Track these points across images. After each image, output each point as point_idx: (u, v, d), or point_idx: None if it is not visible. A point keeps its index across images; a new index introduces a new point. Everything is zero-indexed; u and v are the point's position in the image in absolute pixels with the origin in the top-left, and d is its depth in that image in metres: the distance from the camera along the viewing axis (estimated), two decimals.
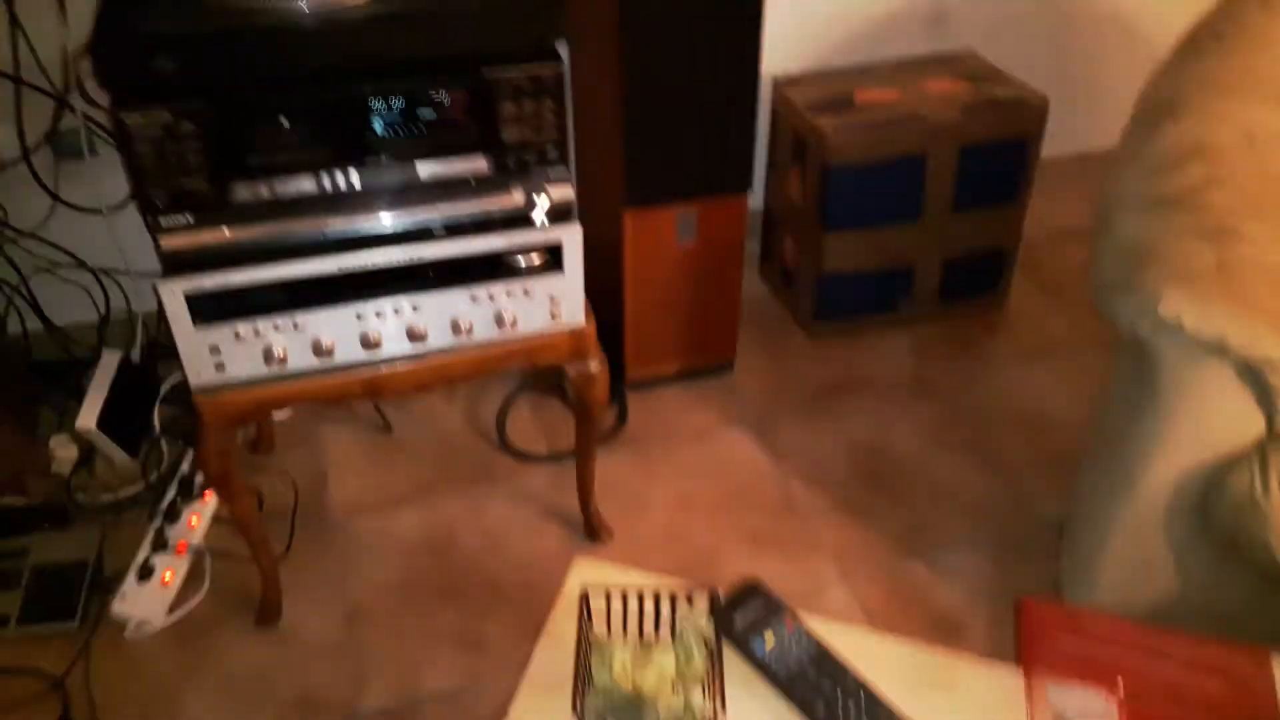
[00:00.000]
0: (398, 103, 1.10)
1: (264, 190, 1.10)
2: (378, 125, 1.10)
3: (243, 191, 1.10)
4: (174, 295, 1.10)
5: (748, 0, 1.47)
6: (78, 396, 1.63)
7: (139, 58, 1.00)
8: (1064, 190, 2.05)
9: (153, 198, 1.07)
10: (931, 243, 1.89)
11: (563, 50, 1.13)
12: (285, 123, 1.07)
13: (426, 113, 1.11)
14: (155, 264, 1.70)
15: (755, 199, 1.79)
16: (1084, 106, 2.12)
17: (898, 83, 1.91)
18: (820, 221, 1.83)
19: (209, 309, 1.12)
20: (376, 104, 1.09)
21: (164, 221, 1.08)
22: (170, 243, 1.09)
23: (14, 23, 1.49)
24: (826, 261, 1.87)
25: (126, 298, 1.77)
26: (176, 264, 1.10)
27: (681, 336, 1.80)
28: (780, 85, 1.92)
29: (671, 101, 1.52)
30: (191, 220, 1.09)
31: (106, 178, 1.65)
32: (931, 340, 1.93)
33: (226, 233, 1.10)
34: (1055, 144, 1.89)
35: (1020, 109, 1.83)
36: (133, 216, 1.68)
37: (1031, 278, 2.06)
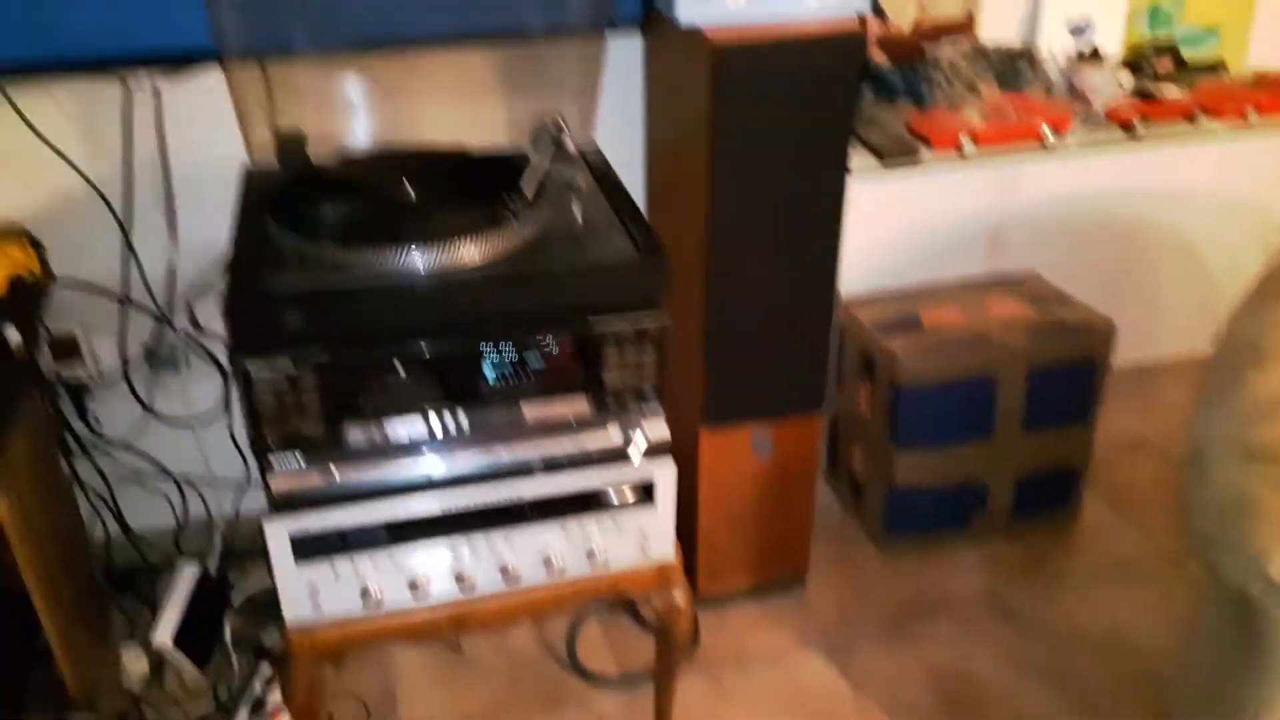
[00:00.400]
0: (507, 351, 1.13)
1: (374, 433, 1.13)
2: (487, 371, 1.14)
3: (354, 434, 1.12)
4: (279, 535, 1.12)
5: (828, 226, 1.52)
6: (150, 604, 1.62)
7: (268, 313, 1.04)
8: (1127, 400, 2.06)
9: (267, 439, 1.10)
10: (1003, 461, 1.89)
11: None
12: (399, 371, 1.11)
13: (534, 359, 1.14)
14: (237, 473, 1.75)
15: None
16: (1143, 318, 2.16)
17: (962, 304, 1.96)
18: (891, 438, 1.84)
19: (311, 547, 1.13)
20: (487, 352, 1.13)
21: (276, 462, 1.11)
22: (280, 485, 1.11)
23: (128, 247, 1.57)
24: (897, 477, 1.87)
25: (206, 506, 1.79)
26: (284, 504, 1.12)
27: (753, 551, 1.79)
28: (847, 304, 1.97)
29: (751, 324, 1.56)
30: (302, 462, 1.11)
31: (197, 390, 1.70)
32: (1006, 557, 1.91)
33: (335, 474, 1.12)
34: (1115, 354, 1.91)
35: (1087, 334, 1.86)
36: (219, 428, 1.73)
37: (1101, 492, 2.04)
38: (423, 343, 1.11)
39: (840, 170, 1.48)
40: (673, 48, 1.48)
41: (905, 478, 1.87)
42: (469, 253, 1.13)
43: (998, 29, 1.87)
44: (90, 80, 1.40)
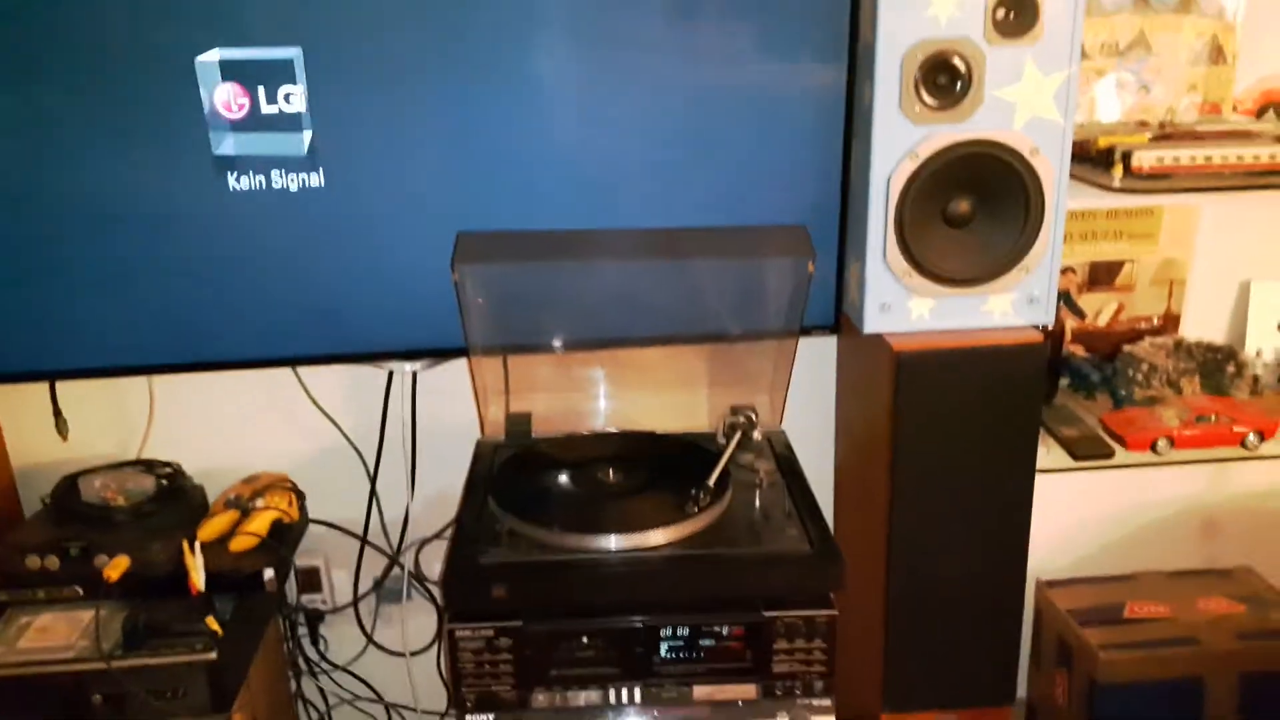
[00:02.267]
0: (683, 632, 1.23)
1: (558, 699, 1.24)
2: (663, 649, 1.23)
3: (539, 698, 1.24)
4: None
5: (1014, 523, 1.54)
6: None
7: (479, 587, 1.19)
8: None
9: (465, 698, 1.22)
10: None
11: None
12: (585, 642, 1.22)
13: (708, 643, 1.23)
14: (440, 705, 1.88)
15: (1018, 688, 1.76)
16: None
17: (1168, 596, 1.89)
18: None
19: None
20: (665, 633, 1.23)
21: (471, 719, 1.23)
22: None
23: (373, 495, 1.80)
24: None
25: None
26: None
27: None
28: (1044, 587, 1.94)
29: (935, 614, 1.57)
30: None
31: (414, 623, 1.87)
32: None
33: None
34: None
35: None
36: (428, 660, 1.89)
37: None
38: (608, 619, 1.22)
39: (1027, 470, 1.51)
40: (861, 350, 1.60)
41: None
42: (655, 537, 1.25)
43: (1202, 327, 1.89)
44: (362, 365, 1.68)
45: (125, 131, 1.39)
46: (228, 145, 1.40)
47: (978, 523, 1.52)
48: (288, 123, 1.39)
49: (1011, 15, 1.30)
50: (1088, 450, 1.62)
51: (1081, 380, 1.82)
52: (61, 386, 1.66)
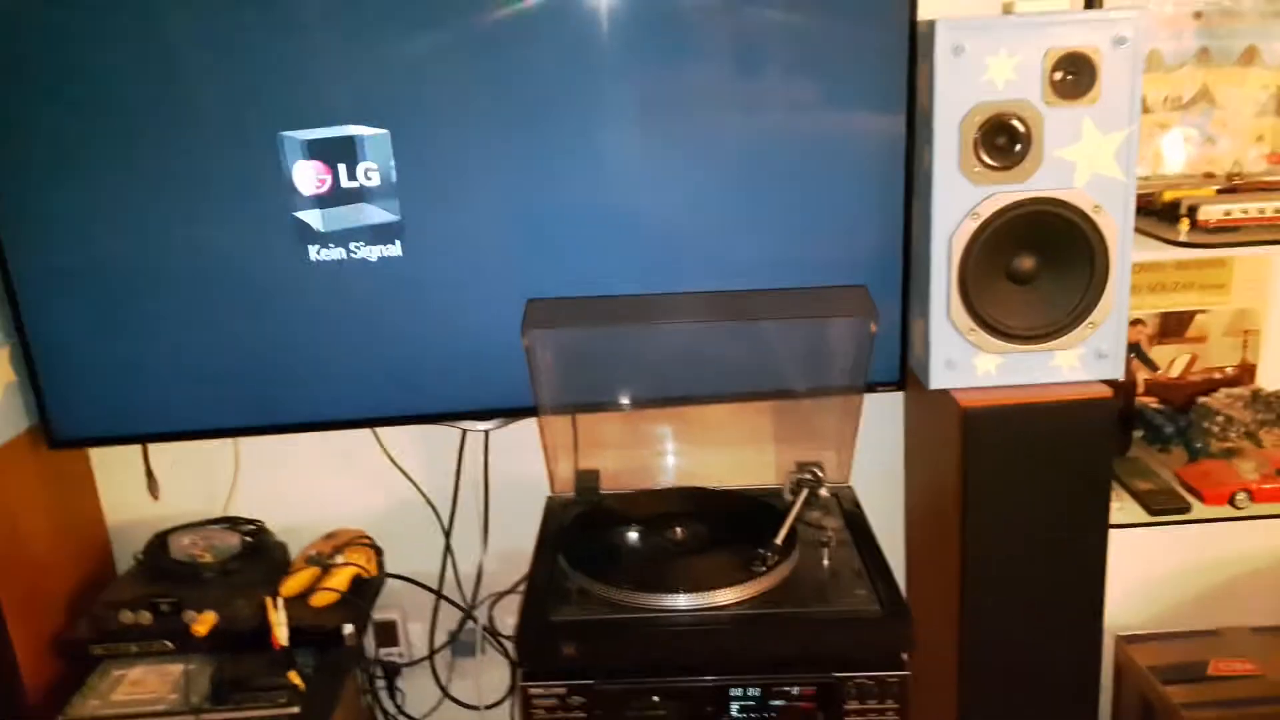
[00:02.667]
0: (754, 692, 1.24)
1: None
2: (734, 709, 1.24)
3: None
4: None
5: (1089, 578, 1.52)
6: None
7: (551, 644, 1.22)
8: None
9: None
10: None
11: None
12: (655, 701, 1.24)
13: (778, 703, 1.24)
14: None
15: None
16: None
17: (1256, 654, 1.83)
18: None
19: None
20: (735, 692, 1.24)
21: None
22: None
23: (447, 548, 1.84)
24: None
25: None
26: None
27: None
28: (1124, 644, 1.90)
29: (1008, 673, 1.55)
30: None
31: (487, 677, 1.90)
32: None
33: None
34: None
35: None
36: (502, 713, 1.92)
37: None
38: (678, 678, 1.24)
39: (1100, 525, 1.50)
40: (928, 406, 1.61)
41: None
42: (724, 596, 1.27)
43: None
44: (437, 425, 1.73)
45: (215, 204, 1.47)
46: (311, 218, 1.47)
47: (1052, 579, 1.51)
48: (367, 196, 1.47)
49: (1069, 78, 1.32)
50: (1163, 504, 1.60)
51: (1155, 433, 1.79)
52: (153, 448, 1.75)
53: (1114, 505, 1.53)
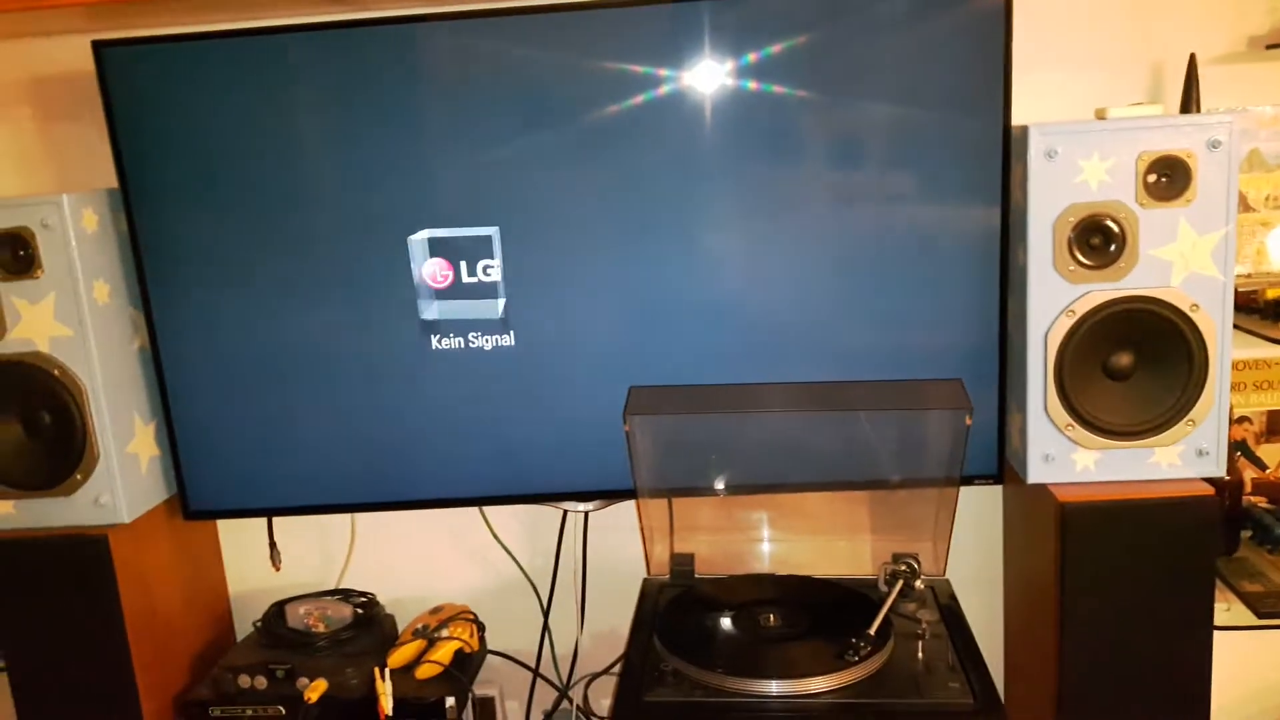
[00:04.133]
0: None
1: None
2: None
3: None
4: None
5: (1193, 684, 1.48)
6: None
7: None
8: None
9: None
10: None
11: None
12: None
13: None
14: None
15: None
16: None
17: None
18: None
19: None
20: None
21: None
22: None
23: (545, 627, 1.89)
24: None
25: None
26: None
27: None
28: None
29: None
30: None
31: None
32: None
33: None
34: None
35: None
36: None
37: None
38: None
39: (1203, 627, 1.47)
40: (1025, 500, 1.61)
41: None
42: (816, 684, 1.29)
43: None
44: (540, 505, 1.80)
45: (346, 299, 1.59)
46: (433, 311, 1.58)
47: (1154, 681, 1.48)
48: (485, 290, 1.57)
49: (1163, 180, 1.35)
50: (1271, 607, 1.56)
51: (1265, 533, 1.75)
52: (277, 521, 1.85)
53: (1220, 607, 1.50)
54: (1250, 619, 1.56)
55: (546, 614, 1.88)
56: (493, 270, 1.55)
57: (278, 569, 1.87)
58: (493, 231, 1.54)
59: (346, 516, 1.87)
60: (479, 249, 1.55)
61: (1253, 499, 1.81)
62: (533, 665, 1.90)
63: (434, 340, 1.59)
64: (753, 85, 1.48)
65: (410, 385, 1.61)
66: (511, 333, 1.58)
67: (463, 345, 1.59)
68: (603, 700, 1.90)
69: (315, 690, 1.58)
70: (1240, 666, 1.84)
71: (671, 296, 1.55)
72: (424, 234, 1.55)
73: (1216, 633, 1.45)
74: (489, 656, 1.86)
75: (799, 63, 1.47)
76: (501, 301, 1.57)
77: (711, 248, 1.55)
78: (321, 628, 1.72)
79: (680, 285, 1.55)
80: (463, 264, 1.56)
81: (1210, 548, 1.45)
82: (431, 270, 1.56)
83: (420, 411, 1.62)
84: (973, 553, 1.78)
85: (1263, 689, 1.89)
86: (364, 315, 1.59)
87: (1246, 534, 1.76)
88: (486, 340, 1.58)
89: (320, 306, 1.59)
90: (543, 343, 1.58)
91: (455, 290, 1.57)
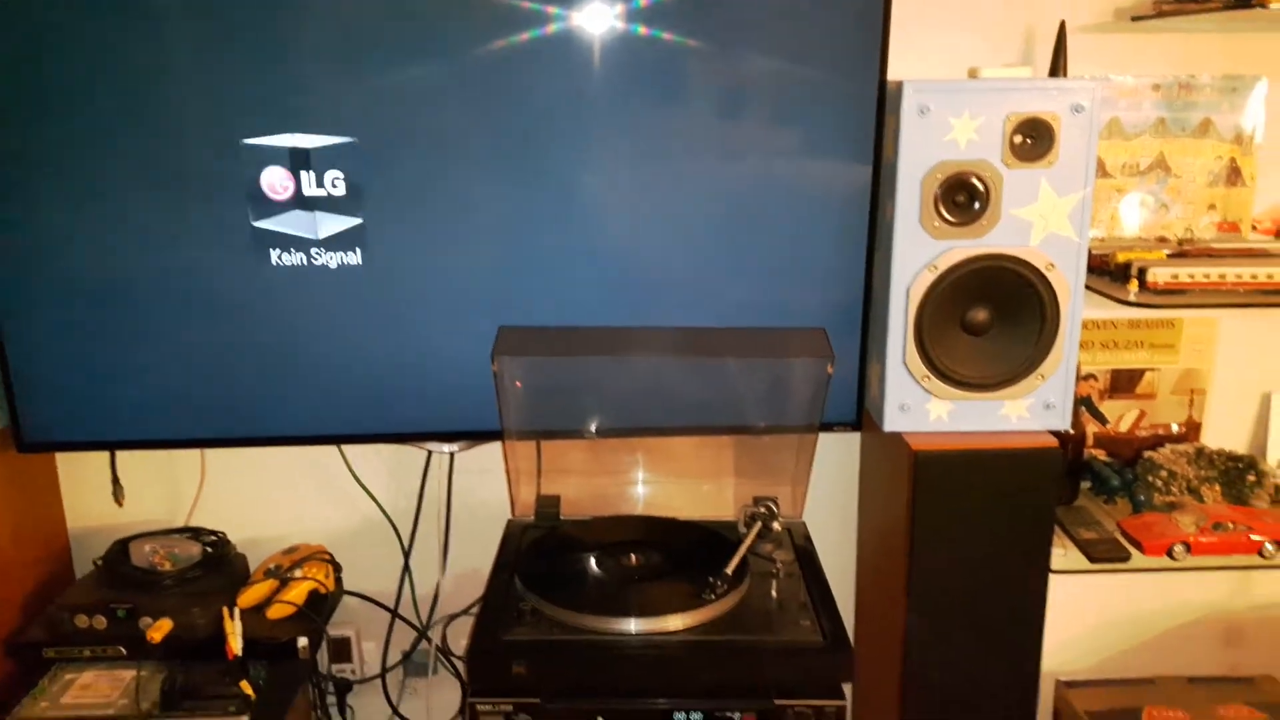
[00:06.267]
0: (696, 717, 1.27)
1: None
2: None
3: None
4: None
5: (1028, 622, 1.56)
6: None
7: (500, 664, 1.25)
8: None
9: None
10: None
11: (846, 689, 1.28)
12: None
13: None
14: None
15: None
16: None
17: (1189, 703, 1.88)
18: None
19: None
20: (679, 717, 1.27)
21: None
22: None
23: (406, 568, 1.86)
24: None
25: None
26: None
27: None
28: (1064, 688, 1.94)
29: (949, 703, 1.58)
30: None
31: (438, 696, 1.92)
32: None
33: None
34: None
35: None
36: None
37: None
38: (624, 699, 1.27)
39: (1041, 571, 1.54)
40: (881, 448, 1.66)
41: None
42: (674, 622, 1.30)
43: (1224, 436, 1.92)
44: (403, 445, 1.76)
45: (179, 209, 1.48)
46: (272, 223, 1.49)
47: (993, 620, 1.55)
48: (331, 205, 1.48)
49: (1028, 141, 1.38)
50: (1104, 553, 1.65)
51: (1102, 484, 1.85)
52: (121, 456, 1.76)
53: (1058, 552, 1.58)
54: (1084, 564, 1.65)
55: (407, 555, 1.86)
56: (340, 183, 1.47)
57: (121, 505, 1.78)
58: (344, 141, 1.46)
59: (195, 452, 1.79)
60: (327, 159, 1.46)
61: (1094, 452, 1.91)
62: (391, 607, 1.87)
63: (273, 255, 1.50)
64: (642, 30, 1.45)
65: (252, 306, 1.52)
66: (358, 250, 1.50)
67: (305, 262, 1.51)
68: (462, 641, 1.89)
69: (159, 630, 1.52)
70: (1073, 609, 1.95)
71: (543, 234, 1.52)
72: (263, 139, 1.45)
73: (1053, 576, 1.53)
74: (347, 598, 1.83)
75: (686, 10, 1.45)
76: (351, 219, 1.49)
77: (586, 187, 1.52)
78: (167, 566, 1.65)
79: (553, 223, 1.52)
80: (305, 175, 1.47)
81: (1051, 496, 1.52)
82: (271, 179, 1.47)
83: (267, 338, 1.54)
84: (832, 498, 1.83)
85: (1094, 628, 2.01)
86: (199, 228, 1.49)
87: (1086, 485, 1.86)
88: (331, 257, 1.51)
89: (152, 218, 1.48)
90: (399, 268, 1.52)
91: (297, 202, 1.48)
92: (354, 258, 1.51)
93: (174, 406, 1.58)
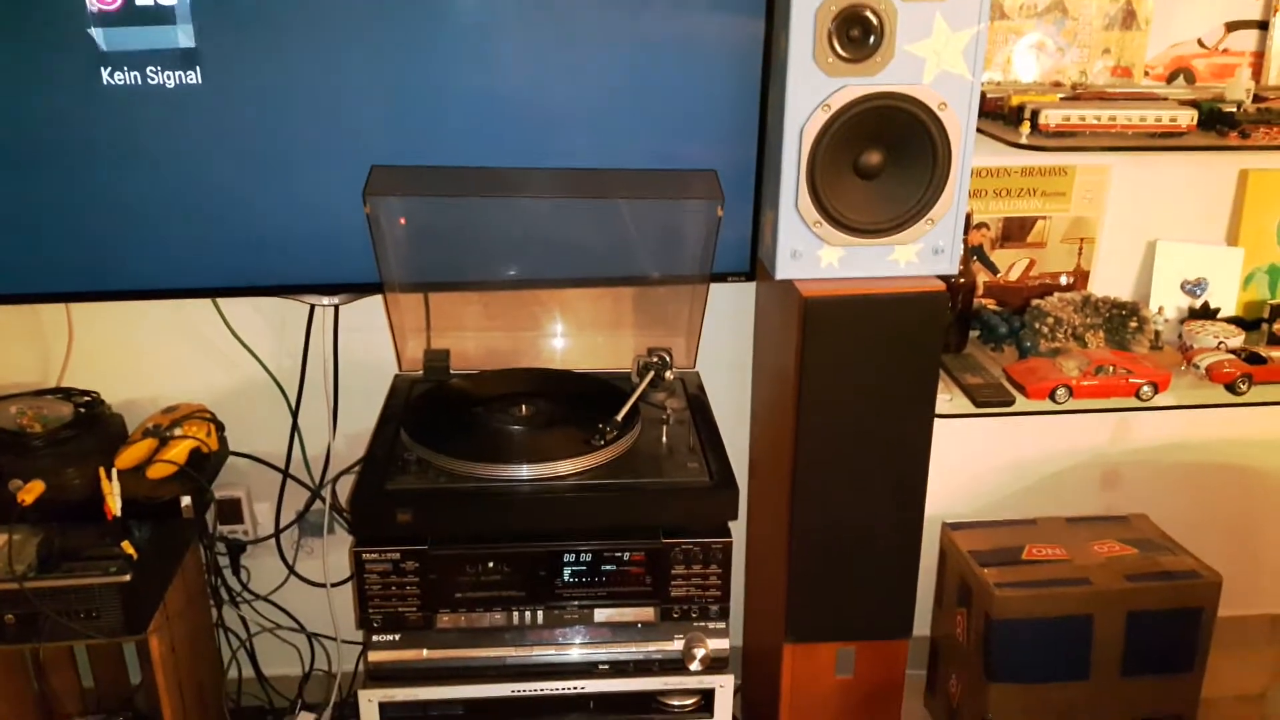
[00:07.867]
0: (586, 558, 1.28)
1: (462, 620, 1.28)
2: (565, 574, 1.28)
3: (444, 619, 1.28)
4: (370, 703, 1.27)
5: (913, 464, 1.60)
6: None
7: (385, 511, 1.23)
8: (1241, 651, 1.99)
9: (371, 618, 1.26)
10: (1101, 704, 1.86)
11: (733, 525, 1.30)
12: (489, 566, 1.27)
13: (609, 568, 1.28)
14: (359, 635, 1.92)
15: (923, 626, 1.84)
16: (1262, 570, 2.10)
17: (1067, 541, 1.97)
18: (984, 670, 1.85)
19: (397, 715, 1.28)
20: (569, 558, 1.27)
21: (375, 639, 1.27)
22: (377, 657, 1.27)
23: (294, 429, 1.82)
24: (991, 710, 1.86)
25: (329, 660, 1.97)
26: (378, 675, 1.27)
27: None
28: (949, 529, 2.02)
29: (835, 548, 1.63)
30: (397, 639, 1.27)
31: (335, 555, 1.90)
32: None
33: (425, 654, 1.28)
34: (1233, 604, 1.88)
35: (1190, 585, 1.84)
36: (348, 591, 1.93)
37: None
38: (512, 544, 1.27)
39: (926, 415, 1.57)
40: (773, 296, 1.65)
41: (999, 713, 1.86)
42: (562, 468, 1.29)
43: (1110, 284, 1.96)
44: (284, 298, 1.69)
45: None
46: (102, 38, 1.36)
47: (879, 463, 1.58)
48: (164, 15, 1.36)
49: None
50: (988, 397, 1.69)
51: (990, 332, 1.88)
52: None
53: (944, 397, 1.61)
54: (969, 408, 1.68)
55: (295, 414, 1.81)
56: None
57: None
58: None
59: (60, 307, 1.69)
60: None
61: (984, 301, 1.93)
62: (282, 466, 1.83)
63: (104, 74, 1.38)
64: None
65: (89, 134, 1.40)
66: (198, 69, 1.38)
67: (139, 81, 1.38)
68: None
69: (30, 492, 1.46)
70: (960, 454, 2.01)
71: (424, 64, 1.43)
72: None
73: (939, 420, 1.56)
74: (237, 459, 1.78)
75: None
76: (186, 28, 1.37)
77: (470, 22, 1.43)
78: (37, 427, 1.58)
79: (432, 52, 1.42)
80: None
81: (937, 341, 1.53)
82: None
83: (115, 175, 1.43)
84: (730, 348, 1.82)
85: (980, 474, 2.08)
86: (24, 45, 1.36)
87: (975, 334, 1.89)
88: (168, 77, 1.39)
89: None
90: (248, 89, 1.40)
91: (127, 14, 1.35)
92: (193, 76, 1.39)
93: (30, 258, 1.47)
